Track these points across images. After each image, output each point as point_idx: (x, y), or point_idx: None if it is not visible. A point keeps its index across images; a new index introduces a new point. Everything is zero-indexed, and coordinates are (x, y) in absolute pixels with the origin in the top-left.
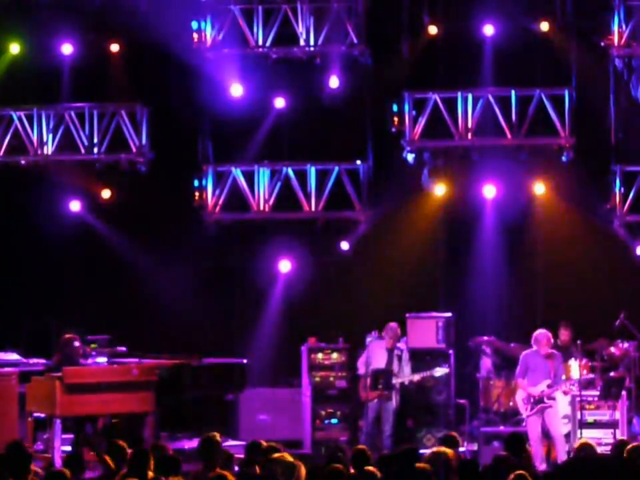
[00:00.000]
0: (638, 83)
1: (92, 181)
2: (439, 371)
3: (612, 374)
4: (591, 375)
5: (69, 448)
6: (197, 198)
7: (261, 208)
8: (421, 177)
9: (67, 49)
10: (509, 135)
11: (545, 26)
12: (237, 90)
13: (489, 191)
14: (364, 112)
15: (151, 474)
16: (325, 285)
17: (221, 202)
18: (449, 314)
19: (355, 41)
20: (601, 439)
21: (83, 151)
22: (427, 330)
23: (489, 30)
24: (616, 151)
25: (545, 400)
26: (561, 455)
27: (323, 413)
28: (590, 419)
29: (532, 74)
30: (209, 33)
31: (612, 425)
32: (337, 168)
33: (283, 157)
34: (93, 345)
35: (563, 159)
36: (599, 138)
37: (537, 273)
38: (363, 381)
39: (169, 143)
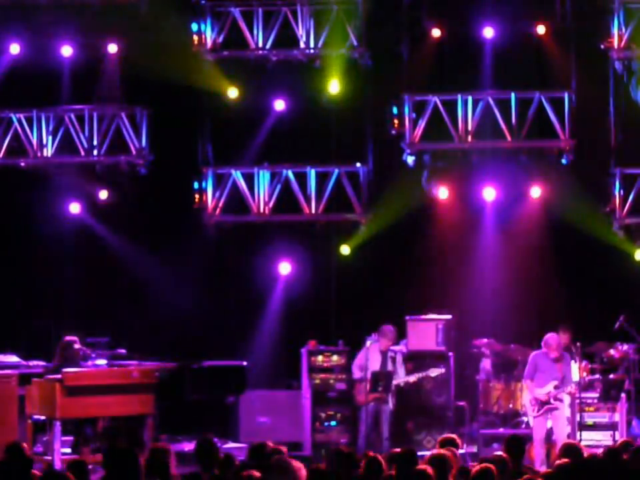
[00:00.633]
0: (638, 85)
1: (92, 183)
2: (434, 371)
3: (611, 376)
4: (597, 376)
5: (68, 450)
6: (196, 200)
7: (261, 210)
8: (420, 179)
9: (66, 50)
10: (508, 138)
11: (544, 29)
12: (232, 92)
13: (489, 194)
14: (364, 114)
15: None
16: (324, 287)
17: (221, 204)
18: (449, 316)
19: (355, 43)
20: (600, 441)
21: (82, 153)
22: (426, 332)
23: (488, 32)
24: (615, 154)
25: (552, 401)
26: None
27: (323, 415)
28: (589, 421)
29: (532, 77)
30: (208, 34)
31: (611, 427)
32: (336, 170)
33: (283, 159)
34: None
35: (563, 161)
36: (598, 140)
37: (536, 275)
38: (358, 385)
39: (168, 145)
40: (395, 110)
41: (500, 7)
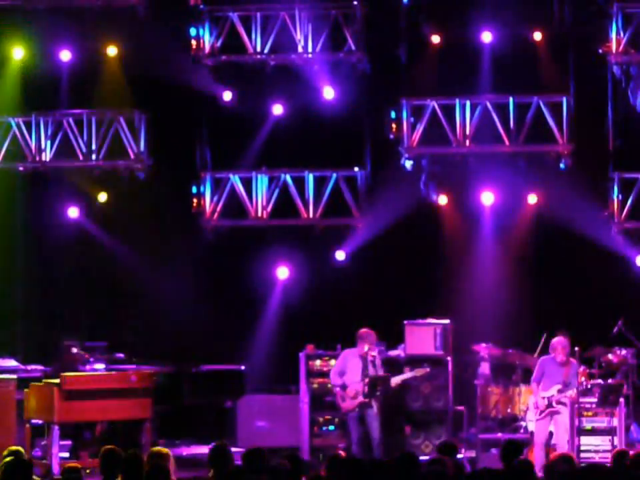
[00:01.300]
0: (636, 89)
1: (90, 187)
2: (419, 371)
3: (610, 381)
4: (599, 381)
5: (66, 454)
6: (195, 204)
7: (259, 214)
8: (418, 183)
9: (65, 55)
10: (507, 142)
11: (542, 33)
12: (227, 95)
13: (487, 198)
14: (362, 119)
15: None
16: (322, 292)
17: (219, 208)
18: (447, 321)
19: (353, 47)
20: (598, 446)
21: (81, 157)
22: (425, 337)
23: (487, 37)
24: (614, 158)
25: (554, 404)
26: None
27: (321, 419)
28: (588, 425)
29: (530, 81)
30: (207, 39)
31: (610, 432)
32: (334, 175)
33: (281, 164)
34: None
35: (561, 166)
36: (597, 145)
37: (535, 279)
38: (339, 392)
39: (167, 150)
40: (393, 114)
41: (498, 11)
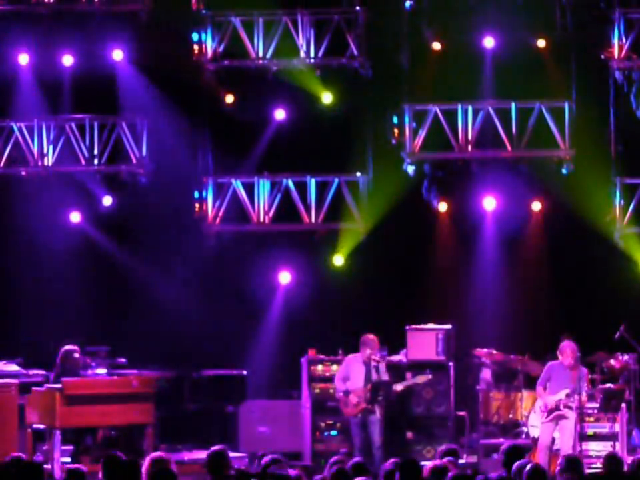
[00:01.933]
0: (638, 95)
1: (92, 192)
2: (421, 378)
3: (612, 386)
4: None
5: (68, 459)
6: (197, 209)
7: (261, 220)
8: (420, 189)
9: (67, 60)
10: (509, 148)
11: (544, 38)
12: (230, 98)
13: (489, 203)
14: (364, 124)
15: None
16: (324, 297)
17: (221, 213)
18: (449, 326)
19: (355, 53)
20: (600, 452)
21: (83, 162)
22: (426, 342)
23: (489, 42)
24: (616, 163)
25: (561, 408)
26: None
27: (323, 424)
28: (590, 431)
29: (532, 86)
30: (209, 44)
31: (612, 437)
32: (336, 180)
33: (283, 169)
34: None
35: (563, 171)
36: (598, 150)
37: (537, 285)
38: (343, 397)
39: (169, 155)
40: (395, 119)
41: (500, 16)
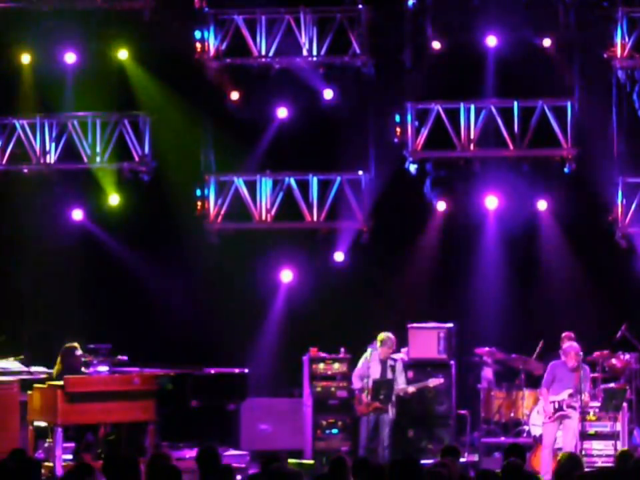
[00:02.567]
0: None
1: (94, 189)
2: (433, 382)
3: (613, 385)
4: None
5: (70, 457)
6: (199, 207)
7: (263, 218)
8: (422, 187)
9: (70, 57)
10: (511, 146)
11: (547, 37)
12: (233, 95)
13: (491, 202)
14: (366, 122)
15: None
16: (326, 295)
17: (223, 211)
18: (451, 324)
19: (358, 51)
20: (601, 451)
21: (85, 159)
22: (428, 340)
23: (491, 41)
24: (618, 162)
25: (565, 408)
26: None
27: (324, 422)
28: (591, 430)
29: (534, 85)
30: (211, 42)
31: (613, 436)
32: (339, 178)
33: (285, 167)
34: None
35: (565, 170)
36: (601, 149)
37: (539, 283)
38: (358, 394)
39: (171, 152)
40: (397, 118)
41: (503, 15)
